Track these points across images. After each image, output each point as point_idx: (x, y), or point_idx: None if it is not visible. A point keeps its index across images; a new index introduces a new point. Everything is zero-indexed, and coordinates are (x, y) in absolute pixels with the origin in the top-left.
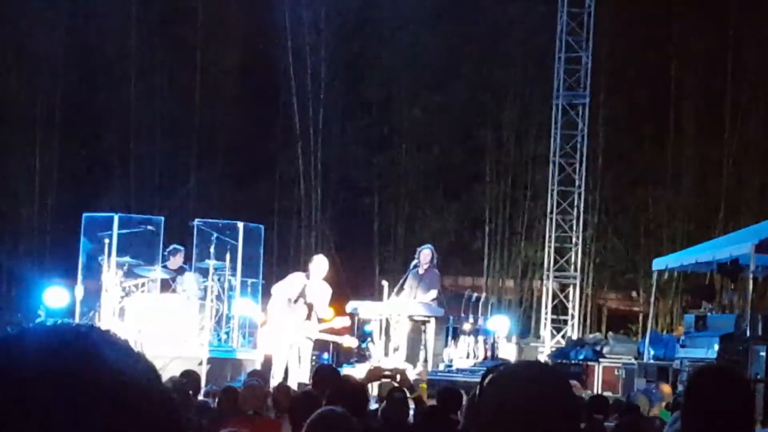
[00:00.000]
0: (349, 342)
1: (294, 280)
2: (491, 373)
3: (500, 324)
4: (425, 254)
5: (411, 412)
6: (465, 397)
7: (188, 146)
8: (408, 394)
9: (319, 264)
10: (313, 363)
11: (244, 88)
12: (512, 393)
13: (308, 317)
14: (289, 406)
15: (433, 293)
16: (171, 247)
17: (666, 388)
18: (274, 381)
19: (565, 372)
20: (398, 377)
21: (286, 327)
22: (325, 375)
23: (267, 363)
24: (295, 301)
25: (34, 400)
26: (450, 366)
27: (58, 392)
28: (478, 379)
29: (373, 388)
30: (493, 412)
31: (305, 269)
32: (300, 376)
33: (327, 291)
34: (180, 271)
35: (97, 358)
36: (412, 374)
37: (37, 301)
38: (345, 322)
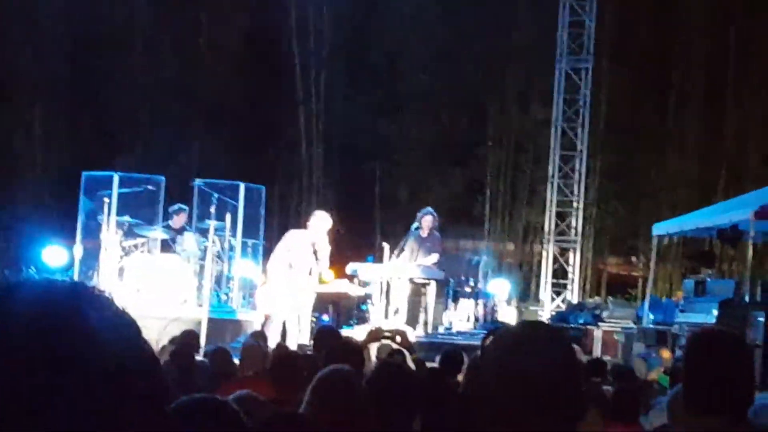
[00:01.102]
0: (339, 285)
1: (294, 241)
2: (492, 334)
3: (500, 287)
4: (427, 219)
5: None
6: (466, 360)
7: (192, 111)
8: (408, 356)
9: (321, 218)
10: (314, 325)
11: (248, 51)
12: (514, 353)
13: (309, 273)
14: (270, 366)
15: (435, 257)
16: (176, 206)
17: (665, 353)
18: (273, 342)
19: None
20: (398, 338)
21: (286, 291)
22: (326, 336)
23: (267, 324)
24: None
25: (15, 352)
26: (450, 329)
27: (39, 346)
28: (478, 342)
29: (372, 351)
30: (494, 373)
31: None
32: (300, 338)
33: (327, 249)
34: (180, 231)
35: (79, 315)
36: (412, 336)
37: (37, 259)
38: (344, 284)
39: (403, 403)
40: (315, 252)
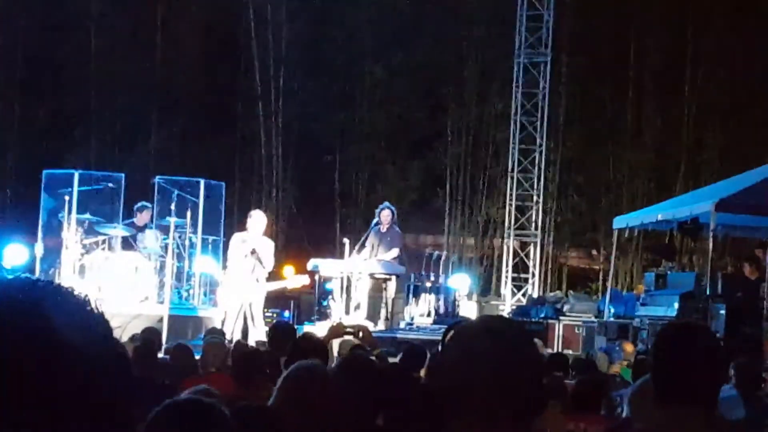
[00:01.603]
0: (298, 281)
1: (235, 243)
2: (453, 329)
3: (461, 282)
4: (385, 214)
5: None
6: (428, 355)
7: (149, 103)
8: (370, 351)
9: (258, 219)
10: (273, 321)
11: (206, 45)
12: (475, 346)
13: (253, 271)
14: (231, 363)
15: (395, 252)
16: (140, 203)
17: (628, 347)
18: (231, 339)
19: (525, 329)
20: (360, 334)
21: (234, 286)
22: (281, 332)
23: (224, 321)
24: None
25: None
26: (411, 324)
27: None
28: (439, 337)
29: (334, 346)
30: (455, 367)
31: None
32: (256, 334)
33: (269, 244)
34: (142, 228)
35: (39, 313)
36: (372, 331)
37: None
38: (304, 280)
39: (367, 398)
40: (254, 252)
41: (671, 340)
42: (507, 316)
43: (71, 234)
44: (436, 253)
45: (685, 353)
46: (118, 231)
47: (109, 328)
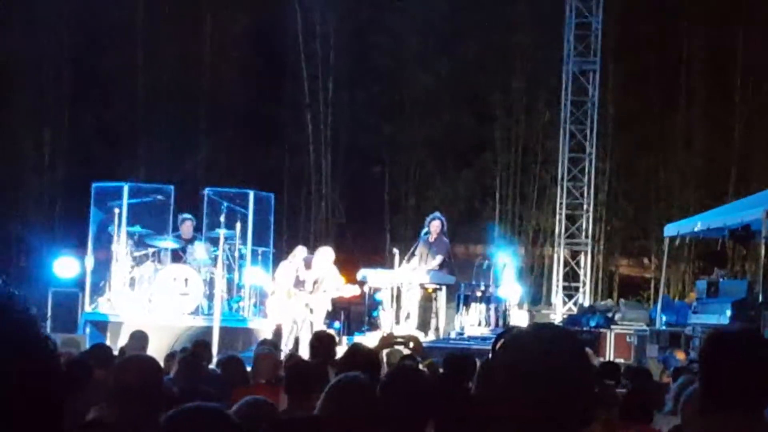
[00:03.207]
0: (348, 291)
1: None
2: (503, 337)
3: (511, 291)
4: (435, 224)
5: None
6: (478, 364)
7: (197, 115)
8: (421, 361)
9: (324, 254)
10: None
11: (254, 56)
12: (525, 356)
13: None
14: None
15: (439, 258)
16: (181, 216)
17: (680, 355)
18: (285, 350)
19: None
20: (411, 344)
21: (292, 305)
22: (322, 342)
23: (278, 332)
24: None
25: None
26: (461, 334)
27: None
28: (490, 347)
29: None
30: (505, 376)
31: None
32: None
33: (334, 275)
34: (191, 240)
35: None
36: (423, 341)
37: (48, 271)
38: (354, 290)
39: (417, 408)
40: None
41: (719, 345)
42: (556, 323)
43: (121, 246)
44: (486, 262)
45: (734, 358)
46: (167, 243)
47: (33, 330)
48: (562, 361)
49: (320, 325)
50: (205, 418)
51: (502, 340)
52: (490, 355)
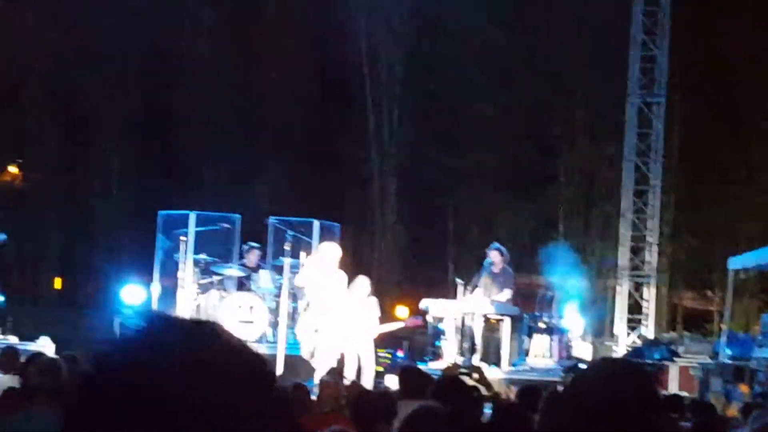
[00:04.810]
0: (411, 321)
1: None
2: (573, 371)
3: (575, 323)
4: (494, 254)
5: (488, 411)
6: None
7: (262, 144)
8: (485, 392)
9: (363, 284)
10: (389, 362)
11: (318, 85)
12: (597, 391)
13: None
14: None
15: (508, 293)
16: (247, 244)
17: (745, 389)
18: (346, 380)
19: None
20: (475, 375)
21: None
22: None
23: (341, 361)
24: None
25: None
26: (525, 364)
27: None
28: (554, 378)
29: None
30: (577, 409)
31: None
32: (368, 374)
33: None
34: (256, 268)
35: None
36: (487, 373)
37: (115, 298)
38: (417, 320)
39: None
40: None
41: None
42: (628, 359)
43: (187, 274)
44: (550, 293)
45: None
46: (233, 271)
47: (266, 367)
48: (630, 402)
49: (372, 355)
50: None
51: (572, 374)
52: (558, 387)
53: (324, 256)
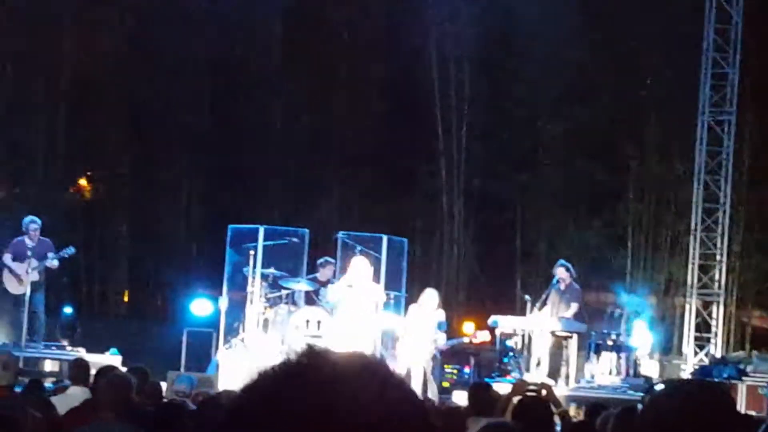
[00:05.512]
0: (479, 337)
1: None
2: (650, 392)
3: (643, 341)
4: (560, 271)
5: (557, 429)
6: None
7: (331, 160)
8: (553, 410)
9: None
10: (456, 377)
11: (387, 103)
12: (673, 409)
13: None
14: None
15: (575, 306)
16: (323, 259)
17: None
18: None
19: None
20: (543, 392)
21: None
22: (479, 391)
23: (408, 376)
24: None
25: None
26: (592, 382)
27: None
28: (621, 396)
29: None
30: (654, 428)
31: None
32: (432, 389)
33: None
34: (325, 283)
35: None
36: (555, 389)
37: (184, 311)
38: (485, 336)
39: None
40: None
41: None
42: (688, 376)
43: (256, 288)
44: (618, 311)
45: None
46: (301, 285)
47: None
48: (710, 418)
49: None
50: None
51: (648, 396)
52: (627, 406)
53: (355, 270)
